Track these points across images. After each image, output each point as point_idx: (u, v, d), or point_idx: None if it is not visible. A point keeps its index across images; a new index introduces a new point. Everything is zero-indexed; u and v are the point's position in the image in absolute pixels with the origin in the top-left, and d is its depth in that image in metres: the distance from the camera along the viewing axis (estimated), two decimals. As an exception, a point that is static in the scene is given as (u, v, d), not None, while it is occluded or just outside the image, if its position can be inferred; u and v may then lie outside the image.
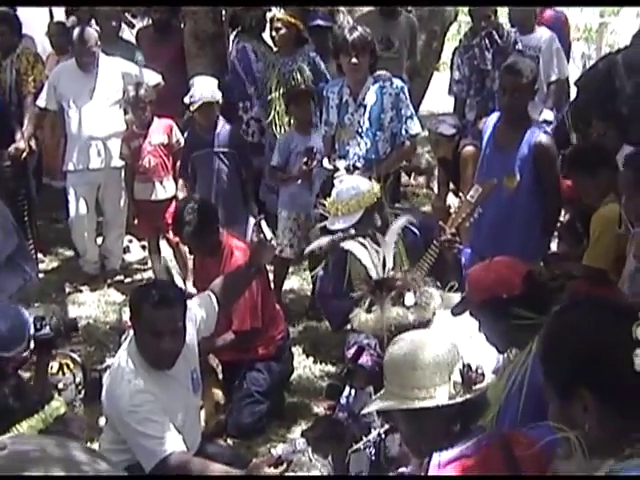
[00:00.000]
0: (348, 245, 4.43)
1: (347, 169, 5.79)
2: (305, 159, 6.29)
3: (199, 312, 4.24)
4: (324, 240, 4.96)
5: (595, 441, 1.97)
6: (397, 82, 5.92)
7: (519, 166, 5.18)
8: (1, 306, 4.81)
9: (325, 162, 6.00)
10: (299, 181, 6.41)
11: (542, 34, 8.10)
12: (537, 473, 2.45)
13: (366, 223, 4.71)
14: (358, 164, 5.79)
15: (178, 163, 6.91)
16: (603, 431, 1.96)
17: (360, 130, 5.82)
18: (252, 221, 6.36)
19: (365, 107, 5.80)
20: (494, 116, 5.51)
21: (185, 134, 6.84)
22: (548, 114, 7.32)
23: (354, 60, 5.67)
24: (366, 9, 8.40)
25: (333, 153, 6.00)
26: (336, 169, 5.79)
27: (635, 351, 1.90)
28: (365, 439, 4.19)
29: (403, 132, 5.85)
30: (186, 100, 6.51)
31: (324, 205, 5.02)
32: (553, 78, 7.98)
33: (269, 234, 4.43)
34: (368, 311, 4.03)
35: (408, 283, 4.06)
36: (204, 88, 6.51)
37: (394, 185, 6.34)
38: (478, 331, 3.44)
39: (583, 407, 1.97)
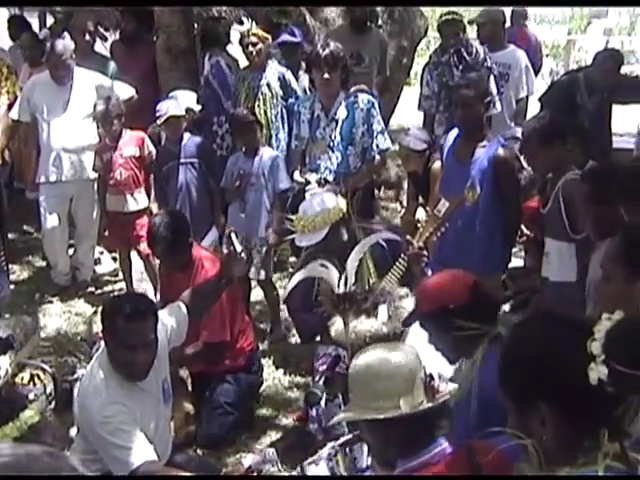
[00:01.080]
0: (308, 272, 4.50)
1: (318, 182, 5.86)
2: (238, 181, 6.33)
3: (169, 321, 4.25)
4: (297, 276, 4.93)
5: (551, 450, 2.02)
6: (368, 97, 6.01)
7: (479, 179, 5.27)
8: None
9: (296, 175, 6.08)
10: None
11: (512, 51, 8.22)
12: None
13: (332, 239, 4.78)
14: (329, 177, 5.86)
15: (150, 175, 6.95)
16: (559, 441, 2.01)
17: (331, 144, 5.89)
18: (215, 232, 6.43)
19: (337, 122, 5.88)
20: (455, 130, 5.62)
21: (156, 147, 6.88)
22: (517, 131, 7.44)
23: (326, 75, 5.76)
24: (338, 24, 8.52)
25: (304, 167, 6.07)
26: (307, 182, 5.86)
27: (590, 365, 1.95)
28: (320, 451, 4.18)
29: (374, 147, 5.93)
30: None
31: (291, 220, 5.07)
32: (522, 95, 8.08)
33: (239, 247, 4.43)
34: (345, 322, 4.07)
35: (378, 296, 4.12)
36: (172, 103, 6.62)
37: (366, 199, 6.39)
38: (427, 342, 3.51)
39: (540, 420, 2.02)
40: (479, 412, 3.14)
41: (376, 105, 6.00)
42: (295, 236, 4.96)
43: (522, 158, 5.96)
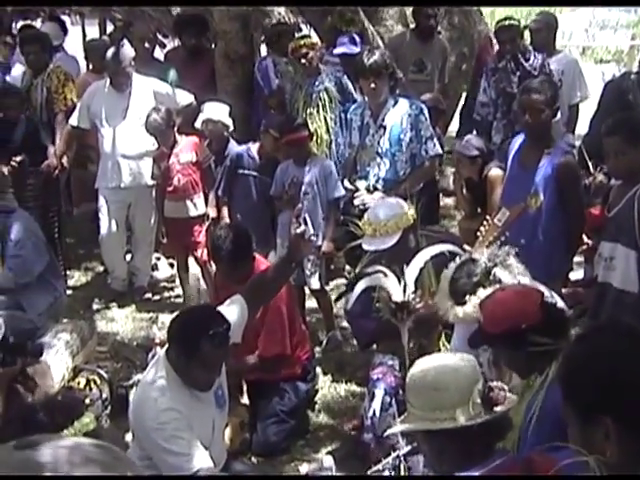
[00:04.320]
0: (367, 284, 4.44)
1: (367, 189, 5.84)
2: (287, 190, 6.28)
3: (229, 318, 4.16)
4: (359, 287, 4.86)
5: (614, 467, 1.97)
6: (416, 103, 5.99)
7: (542, 186, 5.18)
8: None
9: (346, 183, 6.06)
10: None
11: (564, 57, 8.12)
12: None
13: (401, 245, 4.71)
14: (378, 185, 5.83)
15: (207, 180, 6.98)
16: (623, 457, 1.96)
17: (380, 151, 5.88)
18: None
19: (385, 128, 5.88)
20: (520, 137, 5.53)
21: (231, 154, 6.79)
22: (570, 137, 7.33)
23: (372, 85, 5.80)
24: (398, 30, 8.48)
25: (354, 174, 6.04)
26: (356, 189, 5.84)
27: None
28: (384, 461, 4.17)
29: (422, 153, 5.92)
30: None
31: (357, 225, 5.01)
32: (575, 101, 7.98)
33: (310, 228, 4.31)
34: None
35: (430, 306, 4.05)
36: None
37: (429, 206, 6.34)
38: (495, 361, 3.45)
39: (604, 434, 1.96)
40: (544, 427, 3.07)
41: (425, 111, 5.99)
42: (363, 240, 4.87)
43: (589, 161, 5.83)
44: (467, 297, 3.92)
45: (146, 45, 8.04)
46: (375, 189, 5.79)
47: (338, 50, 7.44)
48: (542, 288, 3.76)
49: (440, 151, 6.14)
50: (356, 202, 5.91)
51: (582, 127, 8.01)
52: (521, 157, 5.42)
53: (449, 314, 4.02)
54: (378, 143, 5.90)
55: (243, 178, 6.64)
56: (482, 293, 3.86)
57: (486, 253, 4.06)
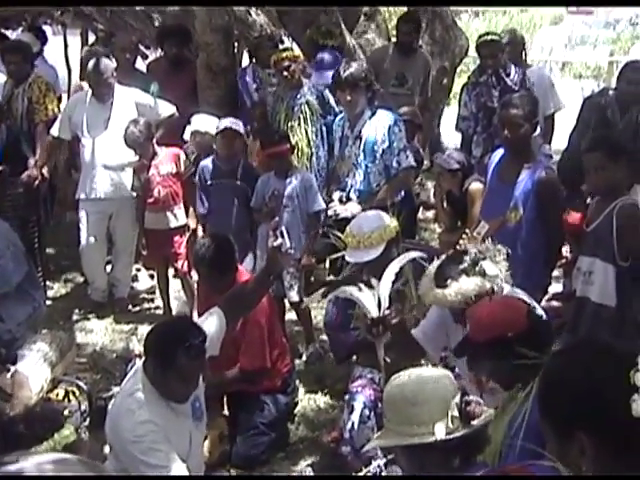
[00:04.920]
0: (340, 294, 4.42)
1: (340, 200, 5.86)
2: (270, 202, 6.28)
3: (207, 331, 4.13)
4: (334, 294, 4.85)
5: None
6: (391, 115, 6.03)
7: (522, 200, 5.21)
8: None
9: (323, 194, 6.10)
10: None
11: (536, 69, 8.23)
12: None
13: (385, 257, 4.72)
14: (352, 195, 5.86)
15: (187, 191, 6.97)
16: (598, 472, 1.97)
17: (355, 162, 5.93)
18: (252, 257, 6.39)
19: (361, 139, 5.93)
20: (500, 151, 5.56)
21: (202, 163, 6.79)
22: (546, 148, 7.37)
23: (348, 97, 5.89)
24: (379, 43, 8.53)
25: (334, 185, 6.08)
26: (331, 200, 5.86)
27: (633, 397, 1.91)
28: (365, 470, 4.18)
29: (394, 164, 5.95)
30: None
31: (339, 237, 5.00)
32: (549, 112, 8.03)
33: (287, 242, 4.29)
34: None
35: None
36: (225, 119, 6.65)
37: (409, 220, 6.36)
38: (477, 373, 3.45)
39: (580, 450, 1.98)
40: (529, 441, 3.07)
41: (400, 123, 6.04)
42: (347, 252, 4.86)
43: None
44: (448, 281, 3.93)
45: (127, 56, 8.03)
46: (348, 199, 5.83)
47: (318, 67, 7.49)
48: (526, 298, 3.79)
49: (413, 163, 6.16)
50: (329, 212, 5.94)
51: (560, 141, 8.07)
52: (500, 171, 5.45)
53: (427, 295, 4.02)
54: (355, 154, 5.94)
55: (214, 188, 6.63)
56: (464, 281, 3.87)
57: (479, 246, 4.06)
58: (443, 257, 4.14)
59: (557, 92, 8.29)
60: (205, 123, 6.89)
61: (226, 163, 6.60)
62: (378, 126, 5.94)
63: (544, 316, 3.47)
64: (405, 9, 10.02)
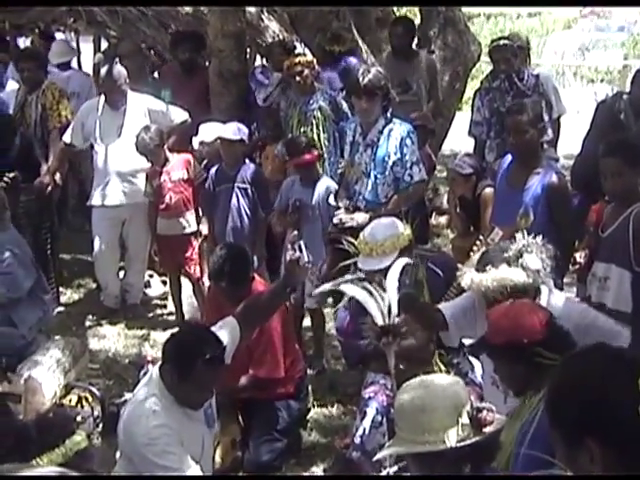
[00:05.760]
0: (350, 290, 4.37)
1: (347, 208, 5.80)
2: (294, 213, 6.27)
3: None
4: (328, 285, 4.81)
5: None
6: (405, 126, 5.91)
7: (532, 205, 5.18)
8: None
9: (331, 199, 6.05)
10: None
11: (538, 73, 8.16)
12: None
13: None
14: (360, 204, 5.81)
15: (198, 196, 6.99)
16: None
17: (365, 170, 5.86)
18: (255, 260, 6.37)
19: (372, 148, 5.83)
20: (508, 157, 5.54)
21: (211, 169, 6.84)
22: (552, 152, 7.35)
23: (364, 105, 5.75)
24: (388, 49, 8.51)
25: (341, 190, 6.04)
26: (337, 207, 5.83)
27: None
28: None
29: (407, 178, 5.81)
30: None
31: (352, 244, 4.97)
32: (554, 116, 7.99)
33: (305, 255, 4.27)
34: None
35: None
36: (226, 126, 6.66)
37: (422, 226, 6.33)
38: (493, 372, 3.43)
39: (589, 457, 1.97)
40: (536, 446, 3.05)
41: (413, 135, 5.88)
42: (359, 259, 4.82)
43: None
44: (488, 267, 3.90)
45: (139, 62, 8.06)
46: (356, 209, 5.78)
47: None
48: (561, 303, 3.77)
49: (425, 177, 6.05)
50: (334, 220, 5.88)
51: (571, 146, 8.05)
52: (509, 177, 5.43)
53: (464, 278, 4.00)
54: (365, 162, 5.87)
55: (221, 193, 6.64)
56: (504, 269, 3.84)
57: (527, 239, 4.03)
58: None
59: (560, 96, 8.24)
60: (211, 133, 6.89)
61: (231, 168, 6.63)
62: (391, 137, 5.81)
63: (564, 327, 3.42)
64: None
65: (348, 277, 4.41)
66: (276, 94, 7.58)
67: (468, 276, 3.97)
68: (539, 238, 4.08)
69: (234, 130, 6.60)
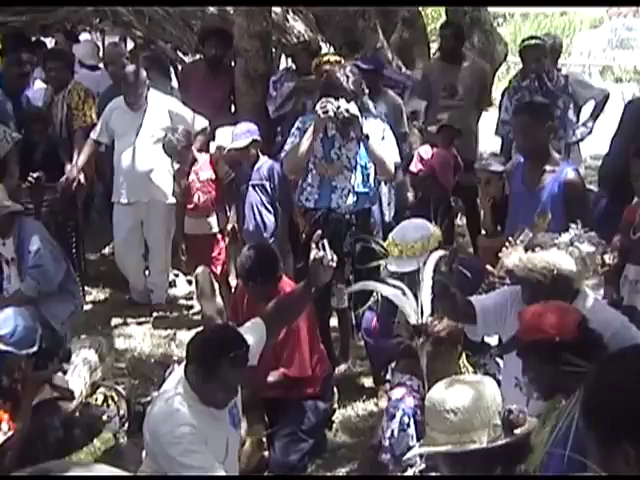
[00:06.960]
0: (383, 290, 4.34)
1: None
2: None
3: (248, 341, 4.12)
4: (360, 285, 4.78)
5: None
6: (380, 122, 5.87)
7: (550, 205, 5.13)
8: (18, 308, 4.97)
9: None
10: None
11: (568, 74, 8.11)
12: None
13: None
14: (350, 199, 5.72)
15: (224, 196, 7.01)
16: None
17: (349, 164, 5.70)
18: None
19: (354, 139, 5.66)
20: (521, 158, 5.48)
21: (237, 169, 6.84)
22: (576, 153, 7.31)
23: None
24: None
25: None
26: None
27: None
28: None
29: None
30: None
31: (380, 245, 4.94)
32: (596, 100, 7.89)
33: (329, 254, 4.19)
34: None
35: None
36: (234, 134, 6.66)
37: (448, 227, 6.29)
38: (521, 374, 3.40)
39: (625, 460, 1.94)
40: (575, 451, 3.02)
41: (385, 123, 5.87)
42: (388, 261, 4.78)
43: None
44: (537, 249, 3.86)
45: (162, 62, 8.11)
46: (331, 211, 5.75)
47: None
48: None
49: (398, 160, 6.00)
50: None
51: (599, 146, 7.99)
52: (523, 177, 5.36)
53: (508, 257, 3.93)
54: (348, 156, 5.71)
55: (246, 192, 6.63)
56: (553, 252, 3.80)
57: (580, 230, 3.99)
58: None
59: (592, 84, 8.19)
60: (228, 137, 6.87)
61: (250, 167, 6.62)
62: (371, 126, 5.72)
63: (596, 331, 3.38)
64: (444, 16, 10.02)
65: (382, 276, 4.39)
66: (290, 105, 7.55)
67: (515, 255, 3.90)
68: (592, 232, 4.03)
69: (244, 133, 6.57)
